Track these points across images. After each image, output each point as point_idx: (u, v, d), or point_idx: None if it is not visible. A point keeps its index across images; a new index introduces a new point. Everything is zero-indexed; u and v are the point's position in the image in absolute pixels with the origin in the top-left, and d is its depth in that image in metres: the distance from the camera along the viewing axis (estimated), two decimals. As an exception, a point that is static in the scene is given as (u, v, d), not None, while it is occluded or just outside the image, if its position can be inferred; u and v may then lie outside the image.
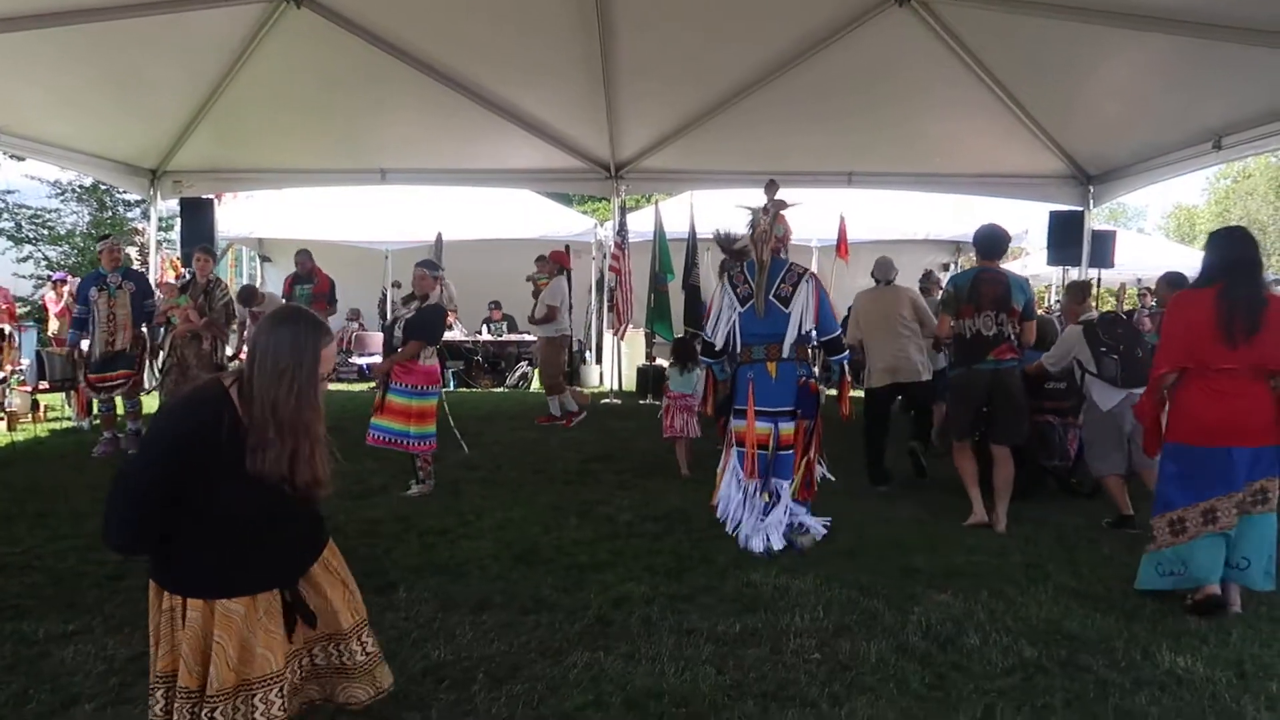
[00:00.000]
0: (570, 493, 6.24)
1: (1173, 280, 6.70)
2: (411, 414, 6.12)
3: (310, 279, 10.10)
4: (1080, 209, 10.89)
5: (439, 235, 12.41)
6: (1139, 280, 15.61)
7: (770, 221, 5.23)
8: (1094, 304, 6.98)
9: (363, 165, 11.15)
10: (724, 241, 5.66)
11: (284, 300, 10.00)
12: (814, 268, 12.95)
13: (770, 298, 5.08)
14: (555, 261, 10.14)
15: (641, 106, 9.77)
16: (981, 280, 5.53)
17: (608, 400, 11.14)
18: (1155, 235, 37.80)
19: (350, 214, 13.45)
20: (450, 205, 13.32)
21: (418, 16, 8.08)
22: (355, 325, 14.59)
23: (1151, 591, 4.14)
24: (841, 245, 11.69)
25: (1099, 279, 11.81)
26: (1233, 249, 4.08)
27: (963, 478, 5.65)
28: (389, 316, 6.38)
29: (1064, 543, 5.14)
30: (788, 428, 5.05)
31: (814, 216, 12.18)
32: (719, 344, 5.23)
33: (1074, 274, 11.28)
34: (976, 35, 8.16)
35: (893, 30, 7.95)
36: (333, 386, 12.85)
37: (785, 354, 5.05)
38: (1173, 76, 8.08)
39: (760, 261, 5.15)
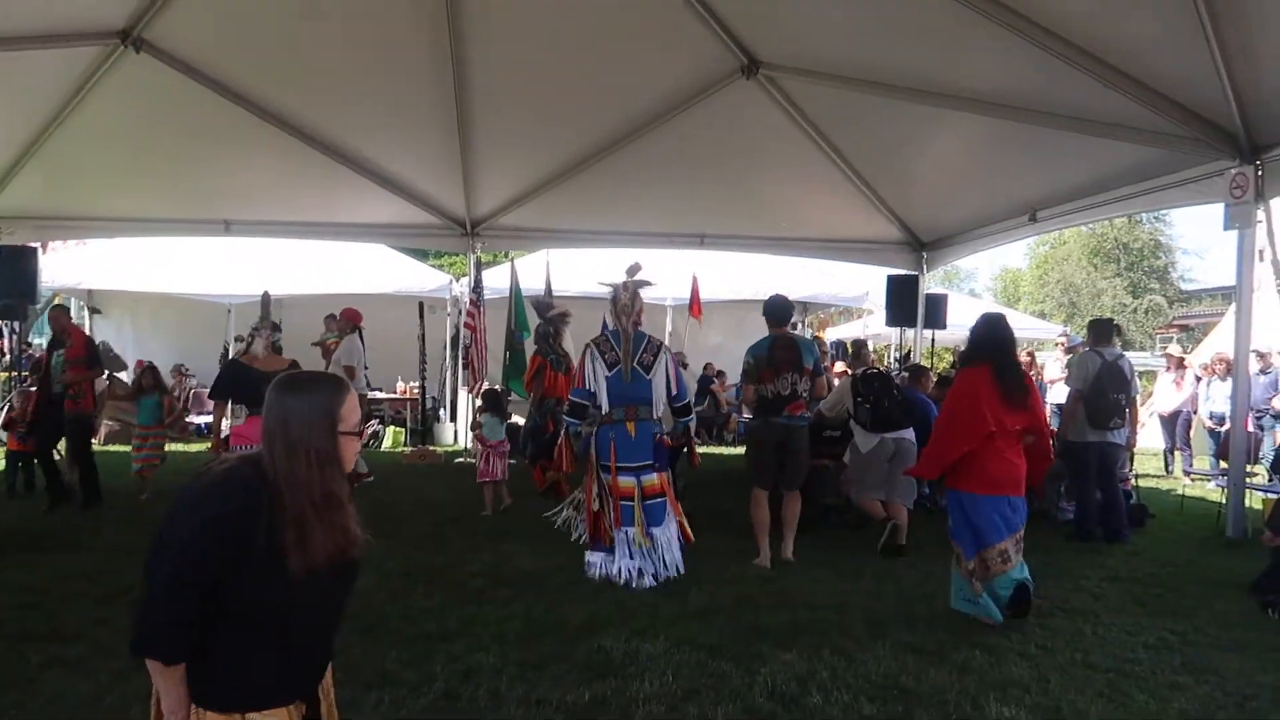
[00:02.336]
0: (421, 557, 6.06)
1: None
2: None
3: (64, 342, 7.96)
4: (915, 273, 11.55)
5: (266, 294, 11.67)
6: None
7: (630, 298, 5.82)
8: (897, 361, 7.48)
9: (205, 215, 10.70)
10: (541, 307, 6.70)
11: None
12: (668, 326, 13.24)
13: (634, 365, 5.63)
14: (347, 319, 9.71)
15: (498, 165, 9.80)
16: (777, 346, 6.12)
17: (462, 459, 10.93)
18: (985, 296, 40.41)
19: (191, 266, 12.82)
20: (301, 259, 12.90)
21: (267, 65, 7.90)
22: (194, 382, 13.85)
23: (968, 620, 4.77)
24: (694, 305, 11.96)
25: (933, 338, 12.52)
26: (1000, 330, 4.91)
27: (756, 525, 6.13)
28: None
29: (903, 597, 5.34)
30: (650, 479, 5.59)
31: (668, 276, 12.49)
32: (605, 407, 5.62)
33: (910, 335, 11.93)
34: (819, 109, 8.63)
35: (742, 101, 8.31)
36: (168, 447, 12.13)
37: (644, 415, 5.62)
38: (994, 155, 8.75)
39: (625, 333, 5.71)
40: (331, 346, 9.57)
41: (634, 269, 5.94)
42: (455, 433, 12.63)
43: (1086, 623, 4.87)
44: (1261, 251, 7.05)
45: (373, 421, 12.98)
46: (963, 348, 6.37)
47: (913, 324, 11.59)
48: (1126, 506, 7.46)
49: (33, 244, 10.48)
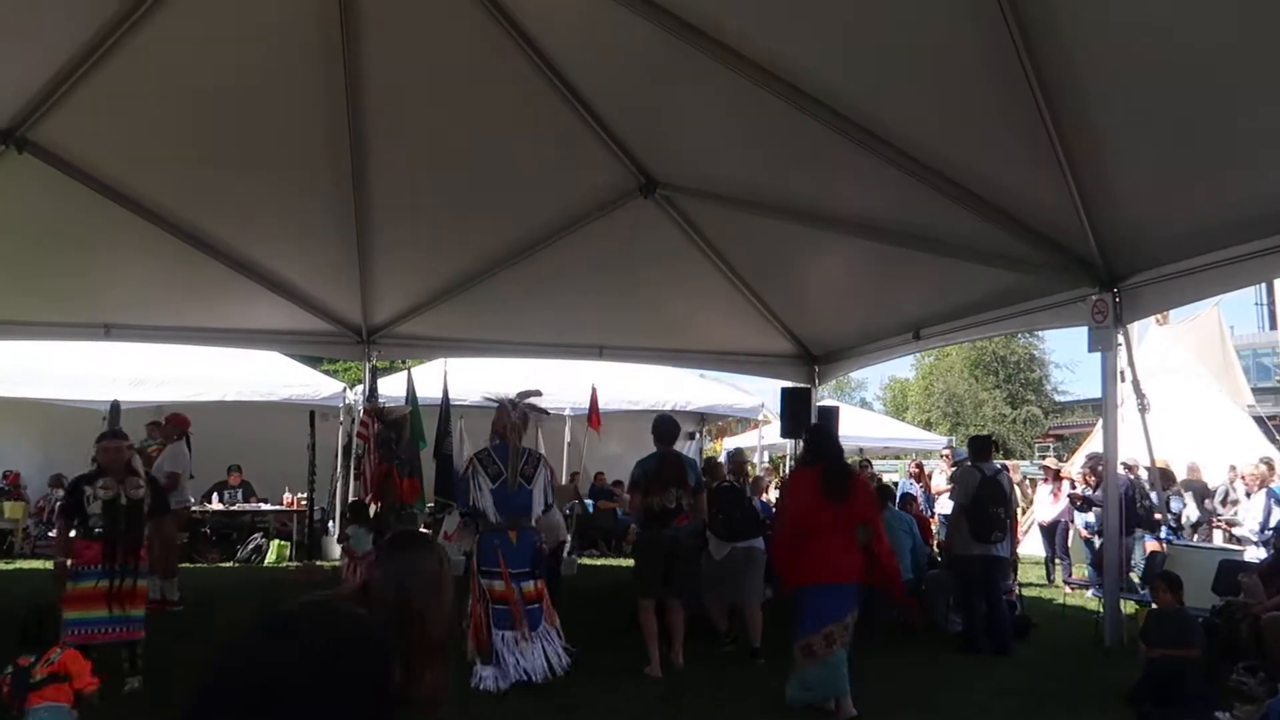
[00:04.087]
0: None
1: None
2: (145, 595, 5.80)
3: None
4: (808, 386, 11.87)
5: (115, 403, 11.17)
6: (861, 450, 17.08)
7: (520, 419, 6.21)
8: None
9: (84, 319, 10.25)
10: (382, 414, 7.64)
11: None
12: (567, 436, 13.20)
13: (518, 477, 5.98)
14: (174, 425, 9.42)
15: (396, 273, 9.76)
16: (664, 463, 6.58)
17: (349, 574, 10.50)
18: (875, 405, 41.76)
19: (64, 371, 12.21)
20: (184, 363, 12.44)
21: (158, 168, 7.72)
22: (58, 494, 13.03)
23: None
24: (594, 415, 11.98)
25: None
26: (828, 438, 5.86)
27: (646, 634, 6.39)
28: (85, 490, 5.80)
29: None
30: (529, 585, 5.92)
31: (567, 386, 12.53)
32: (492, 518, 5.90)
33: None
34: (714, 227, 8.94)
35: (640, 217, 8.53)
36: (28, 565, 11.35)
37: (524, 524, 5.97)
38: (880, 275, 9.18)
39: (515, 449, 6.06)
40: (153, 454, 9.12)
41: (529, 394, 6.36)
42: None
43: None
44: (1122, 372, 7.52)
45: (257, 534, 12.43)
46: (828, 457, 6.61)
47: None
48: (1011, 617, 7.65)
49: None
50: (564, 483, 10.09)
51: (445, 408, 11.34)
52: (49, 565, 11.08)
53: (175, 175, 7.85)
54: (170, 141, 7.42)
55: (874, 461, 17.36)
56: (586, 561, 12.40)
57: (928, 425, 32.36)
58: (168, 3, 5.71)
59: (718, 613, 7.18)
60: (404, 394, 11.36)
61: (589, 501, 13.30)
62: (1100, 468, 9.06)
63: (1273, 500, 10.00)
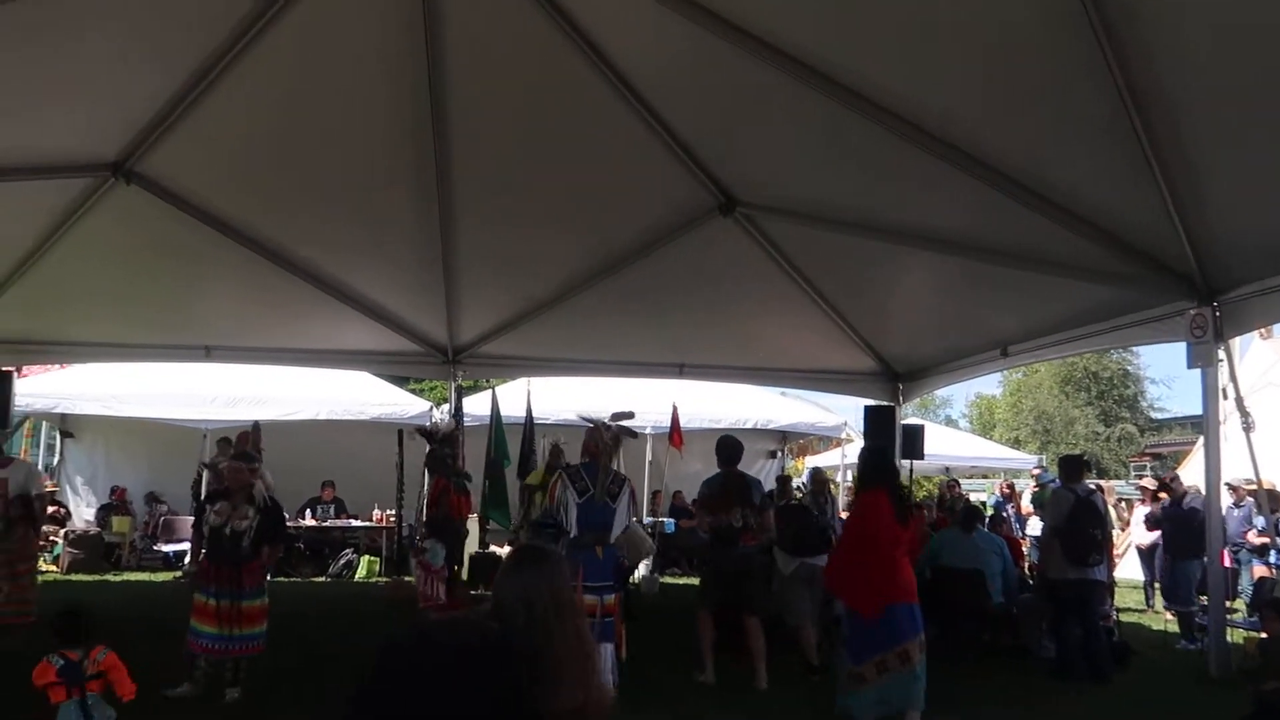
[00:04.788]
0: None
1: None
2: (262, 614, 5.98)
3: None
4: (891, 404, 11.68)
5: (256, 424, 11.69)
6: (947, 469, 16.72)
7: (612, 440, 6.35)
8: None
9: (186, 341, 10.74)
10: (434, 433, 8.05)
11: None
12: (648, 455, 13.24)
13: (603, 498, 6.07)
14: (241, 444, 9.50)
15: (481, 294, 9.95)
16: (728, 482, 6.82)
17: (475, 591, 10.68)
18: (961, 423, 40.81)
19: (166, 391, 12.77)
20: (277, 384, 12.90)
21: (252, 196, 8.06)
22: (163, 508, 13.61)
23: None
24: (675, 434, 12.00)
25: (911, 468, 12.56)
26: (887, 460, 5.92)
27: (703, 641, 6.61)
28: (206, 510, 6.17)
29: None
30: (610, 599, 5.97)
31: (648, 404, 12.57)
32: (574, 532, 6.01)
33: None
34: (794, 246, 8.88)
35: (719, 236, 8.53)
36: (134, 577, 11.85)
37: (606, 540, 6.02)
38: (966, 292, 9.00)
39: (604, 468, 6.17)
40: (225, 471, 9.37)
41: (622, 415, 6.54)
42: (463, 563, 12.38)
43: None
44: (1225, 389, 7.21)
45: (348, 550, 12.76)
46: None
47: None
48: (1109, 644, 7.39)
49: (8, 368, 10.46)
50: (642, 500, 10.09)
51: (529, 426, 11.50)
52: (154, 577, 11.63)
53: (269, 201, 8.18)
54: (264, 169, 7.75)
55: (961, 481, 16.94)
56: (669, 580, 12.38)
57: (1016, 444, 31.49)
58: (262, 39, 5.98)
59: (809, 636, 7.15)
60: (488, 413, 11.58)
61: (669, 520, 13.30)
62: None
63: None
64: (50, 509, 11.17)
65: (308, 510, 13.24)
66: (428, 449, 8.72)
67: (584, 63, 6.33)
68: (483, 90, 6.75)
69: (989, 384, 44.83)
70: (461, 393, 11.47)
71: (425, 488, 12.64)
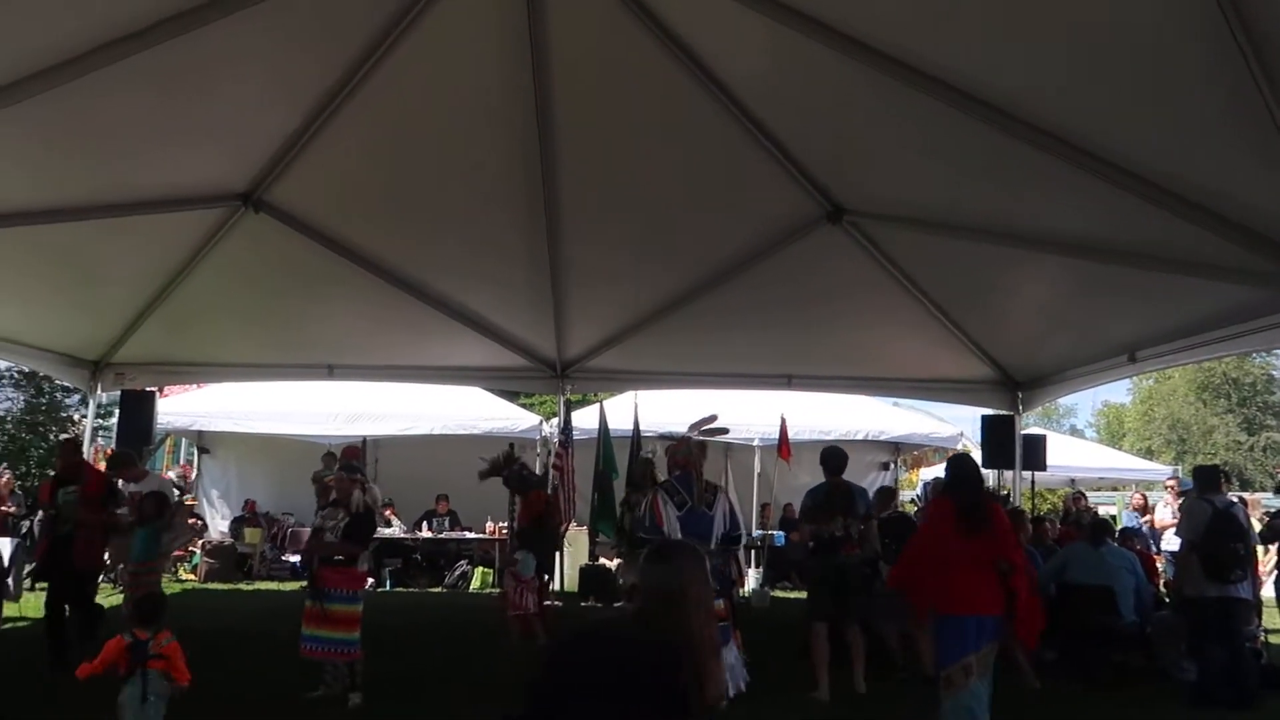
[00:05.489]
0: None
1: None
2: (347, 620, 6.05)
3: (77, 478, 7.51)
4: (1010, 413, 11.26)
5: (364, 440, 12.09)
6: (1072, 481, 16.01)
7: (698, 447, 6.47)
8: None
9: (310, 360, 11.22)
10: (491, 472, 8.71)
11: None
12: (756, 467, 13.12)
13: (700, 507, 6.21)
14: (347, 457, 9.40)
15: (588, 308, 10.07)
16: (832, 492, 6.88)
17: (548, 602, 10.82)
18: (1087, 433, 39.08)
19: (292, 408, 13.37)
20: (395, 400, 13.34)
21: (368, 219, 8.39)
22: (291, 519, 14.21)
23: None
24: (784, 446, 11.85)
25: (1033, 480, 12.09)
26: (966, 469, 5.78)
27: (816, 658, 6.60)
28: (317, 520, 6.56)
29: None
30: (719, 604, 5.79)
31: (756, 416, 12.47)
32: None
33: (1009, 476, 11.56)
34: (904, 252, 8.67)
35: (827, 245, 8.40)
36: (264, 585, 12.39)
37: (706, 548, 5.89)
38: (1086, 295, 8.60)
39: (698, 476, 6.29)
40: (330, 483, 9.61)
41: (704, 422, 6.67)
42: (557, 574, 12.55)
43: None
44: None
45: (462, 562, 13.05)
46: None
47: (1010, 465, 11.22)
48: (1257, 666, 6.92)
49: (151, 388, 11.13)
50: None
51: (636, 439, 11.54)
52: (281, 587, 12.14)
53: (385, 225, 8.50)
54: (380, 195, 8.07)
55: (1088, 493, 16.19)
56: (779, 595, 12.22)
57: (1148, 454, 29.94)
58: (376, 72, 6.23)
59: (894, 639, 7.32)
60: (596, 426, 11.68)
61: (779, 533, 13.13)
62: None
63: None
64: (189, 520, 11.80)
65: (424, 523, 13.62)
66: (502, 478, 8.99)
67: (685, 74, 6.34)
68: (587, 107, 6.85)
69: (1117, 392, 42.90)
70: (570, 406, 11.61)
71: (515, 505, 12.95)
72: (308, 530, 13.46)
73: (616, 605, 8.77)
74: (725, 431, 7.24)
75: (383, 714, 5.85)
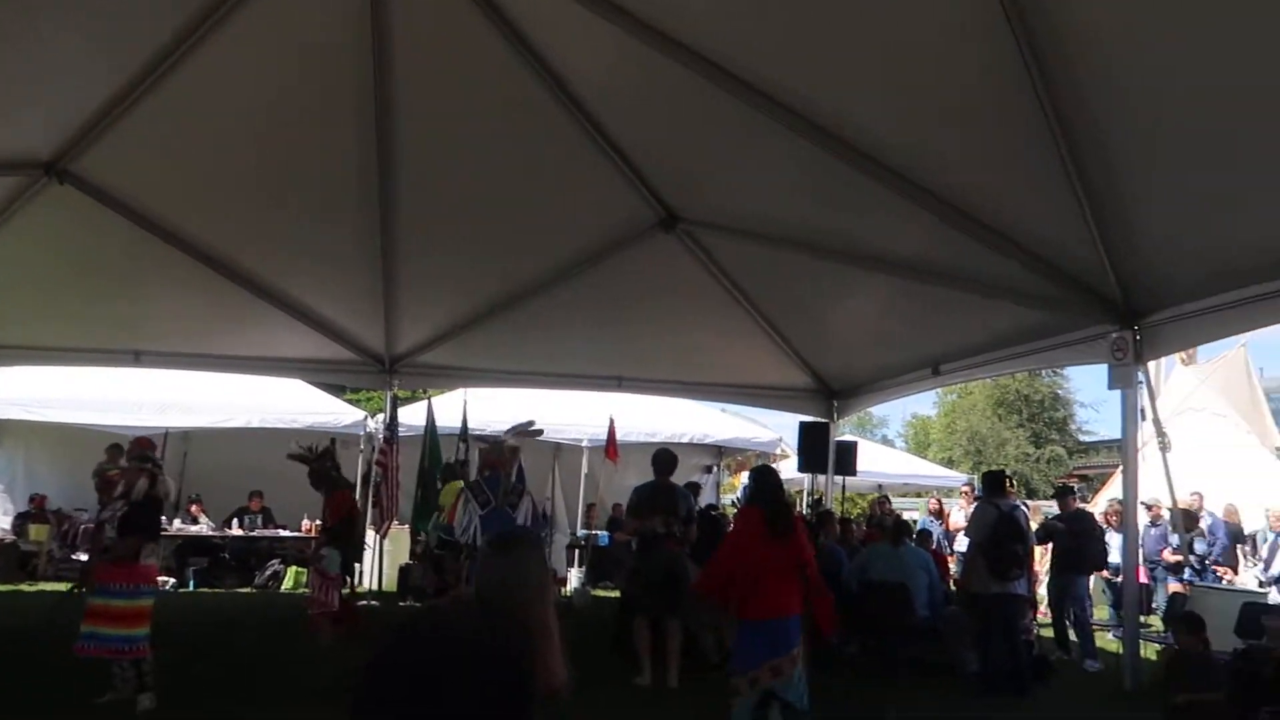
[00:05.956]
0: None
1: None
2: (130, 616, 5.72)
3: None
4: (826, 420, 11.86)
5: (166, 433, 11.28)
6: (880, 486, 17.00)
7: (511, 454, 6.86)
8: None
9: (115, 346, 10.45)
10: (301, 456, 8.41)
11: None
12: (584, 468, 13.24)
13: (505, 506, 6.49)
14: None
15: (420, 303, 9.88)
16: (658, 492, 7.15)
17: (364, 602, 10.53)
18: (896, 441, 41.53)
19: (93, 396, 12.39)
20: (208, 391, 12.61)
21: (189, 199, 7.92)
22: (85, 515, 13.18)
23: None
24: (611, 447, 12.01)
25: (844, 485, 12.75)
26: (769, 479, 5.91)
27: (639, 647, 6.85)
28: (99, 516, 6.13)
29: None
30: None
31: (585, 417, 12.58)
32: (470, 541, 6.37)
33: (821, 480, 12.15)
34: (734, 262, 9.01)
35: (661, 251, 8.63)
36: (49, 586, 11.46)
37: None
38: (901, 312, 9.20)
39: (505, 479, 6.64)
40: (113, 478, 9.12)
41: (522, 426, 7.04)
42: (360, 573, 12.18)
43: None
44: (1143, 410, 7.47)
45: (274, 560, 12.50)
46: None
47: (823, 470, 11.81)
48: (1029, 658, 7.57)
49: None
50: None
51: (464, 437, 11.40)
52: (63, 587, 11.24)
53: (206, 205, 8.05)
54: (202, 172, 7.63)
55: (893, 498, 17.22)
56: (600, 593, 12.36)
57: (949, 463, 32.06)
58: (207, 42, 5.91)
59: (708, 637, 7.51)
60: (423, 423, 11.47)
61: (603, 533, 13.29)
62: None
63: (1283, 543, 9.86)
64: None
65: (234, 520, 12.94)
66: (308, 471, 8.76)
67: (531, 75, 6.39)
68: (428, 98, 6.76)
69: (925, 405, 45.76)
70: (397, 402, 11.36)
71: (356, 498, 12.56)
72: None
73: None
74: (540, 432, 7.58)
75: (177, 719, 5.55)
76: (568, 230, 8.55)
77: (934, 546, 10.33)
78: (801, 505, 15.60)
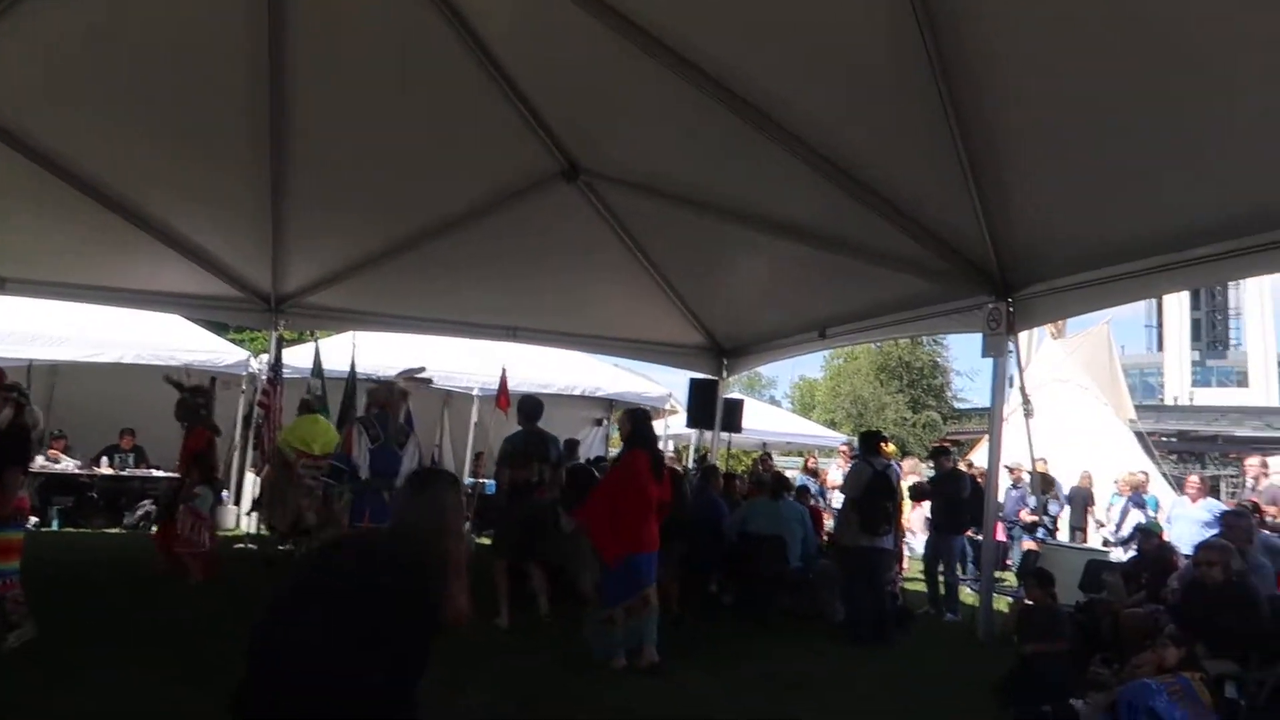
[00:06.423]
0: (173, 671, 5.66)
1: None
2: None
3: None
4: (715, 378, 12.11)
5: (30, 364, 10.71)
6: (764, 444, 17.48)
7: (400, 394, 6.86)
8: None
9: (-27, 271, 9.85)
10: (175, 381, 8.62)
11: None
12: (474, 416, 13.18)
13: (393, 445, 6.43)
14: None
15: (310, 243, 9.61)
16: (529, 440, 7.29)
17: (242, 545, 10.32)
18: (783, 402, 42.63)
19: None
20: (80, 323, 11.99)
21: (61, 118, 7.45)
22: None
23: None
24: (502, 396, 11.98)
25: (729, 440, 13.09)
26: (647, 426, 6.39)
27: (498, 589, 6.96)
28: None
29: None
30: None
31: (477, 365, 12.52)
32: (365, 475, 6.27)
33: (708, 436, 12.43)
34: (634, 218, 9.07)
35: (561, 202, 8.60)
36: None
37: (394, 486, 6.21)
38: (792, 275, 9.45)
39: (394, 419, 6.59)
40: None
41: (412, 371, 7.12)
42: (238, 517, 11.92)
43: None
44: (1011, 378, 7.91)
45: (145, 501, 12.09)
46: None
47: (711, 426, 12.10)
48: (893, 609, 7.99)
49: None
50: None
51: (351, 381, 11.22)
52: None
53: (83, 125, 7.59)
54: (79, 90, 7.15)
55: (777, 456, 17.75)
56: (486, 540, 12.39)
57: (832, 425, 33.08)
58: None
59: (585, 581, 7.67)
60: (309, 365, 11.23)
61: (489, 482, 13.30)
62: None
63: (1133, 504, 10.63)
64: None
65: (104, 458, 12.42)
66: (177, 398, 8.57)
67: (436, 15, 6.24)
68: (326, 28, 6.51)
69: (812, 368, 46.98)
70: (283, 343, 11.07)
71: (236, 438, 12.24)
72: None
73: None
74: (430, 380, 7.73)
75: (48, 660, 5.37)
76: (466, 176, 8.42)
77: (812, 502, 10.74)
78: (688, 459, 15.95)
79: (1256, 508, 8.31)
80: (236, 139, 7.71)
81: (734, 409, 12.11)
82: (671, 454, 17.07)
